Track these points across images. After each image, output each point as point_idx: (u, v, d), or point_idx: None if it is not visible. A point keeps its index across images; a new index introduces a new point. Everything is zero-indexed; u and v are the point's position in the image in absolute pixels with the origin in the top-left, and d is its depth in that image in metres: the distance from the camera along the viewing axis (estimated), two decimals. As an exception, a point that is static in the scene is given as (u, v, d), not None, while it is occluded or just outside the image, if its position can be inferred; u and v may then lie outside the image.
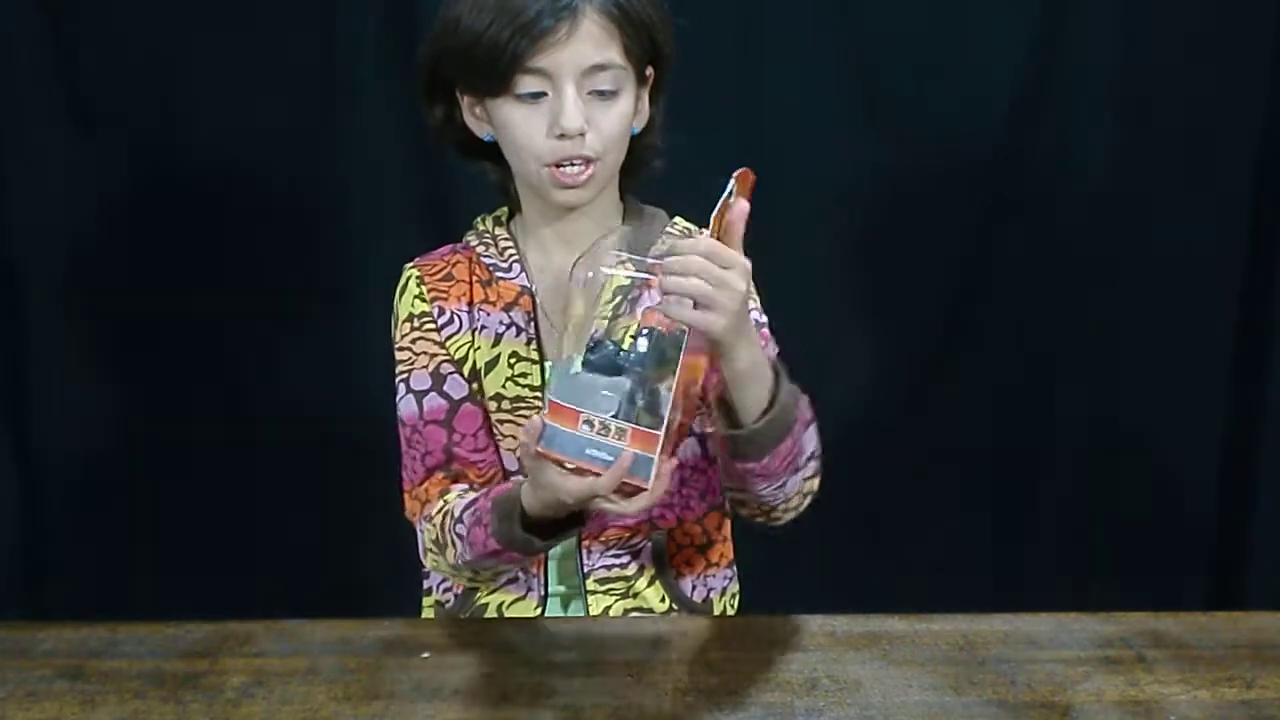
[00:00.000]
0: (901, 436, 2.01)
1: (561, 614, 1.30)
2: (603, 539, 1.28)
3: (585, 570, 1.28)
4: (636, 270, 1.04)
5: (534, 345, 1.25)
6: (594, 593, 1.28)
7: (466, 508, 1.19)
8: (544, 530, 1.13)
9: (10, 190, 1.89)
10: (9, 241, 1.90)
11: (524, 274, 1.27)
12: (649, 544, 1.29)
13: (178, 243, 1.89)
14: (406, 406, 1.26)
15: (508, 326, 1.26)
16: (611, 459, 0.98)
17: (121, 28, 1.83)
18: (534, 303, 1.26)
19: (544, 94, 1.16)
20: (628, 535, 1.28)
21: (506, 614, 1.29)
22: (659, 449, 0.98)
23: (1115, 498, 2.04)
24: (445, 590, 1.35)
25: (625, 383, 1.00)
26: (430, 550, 1.25)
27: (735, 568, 1.39)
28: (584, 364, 1.02)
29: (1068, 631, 1.17)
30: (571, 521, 1.12)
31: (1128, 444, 2.02)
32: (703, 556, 1.33)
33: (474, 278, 1.28)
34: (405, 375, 1.27)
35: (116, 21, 1.82)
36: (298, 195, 1.90)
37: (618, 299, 1.20)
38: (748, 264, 1.01)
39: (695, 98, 1.82)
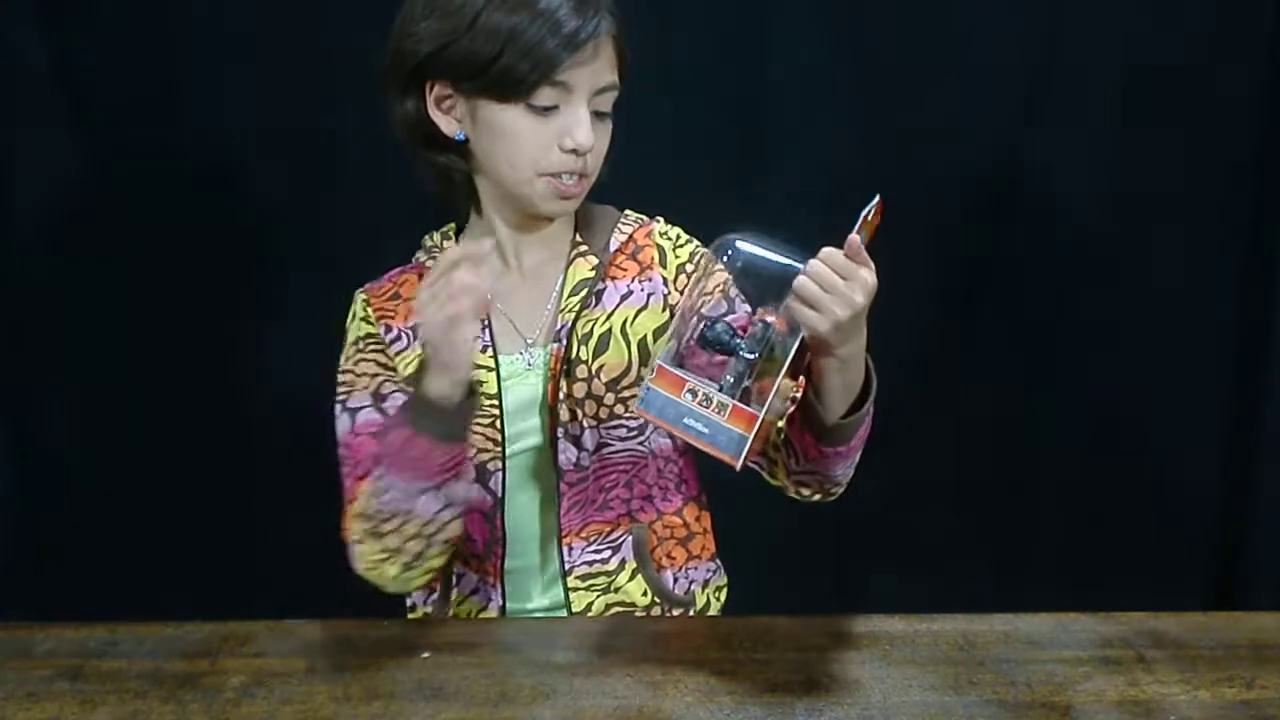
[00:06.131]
0: (900, 436, 1.99)
1: (543, 609, 1.30)
2: (583, 535, 1.28)
3: (566, 567, 1.28)
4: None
5: (489, 352, 1.25)
6: (575, 589, 1.28)
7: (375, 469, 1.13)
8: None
9: (9, 189, 1.88)
10: (7, 240, 1.90)
11: None
12: (629, 538, 1.30)
13: (176, 242, 1.89)
14: (340, 425, 1.23)
15: None
16: (707, 431, 1.01)
17: (121, 28, 1.82)
18: (487, 312, 1.24)
19: (556, 107, 1.17)
20: (608, 530, 1.29)
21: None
22: (754, 431, 1.00)
23: (1115, 498, 2.03)
24: (427, 605, 1.35)
25: (735, 364, 1.03)
26: (363, 542, 1.14)
27: (718, 561, 1.40)
28: (698, 340, 1.05)
29: (1068, 631, 1.17)
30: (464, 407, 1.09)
31: (1128, 444, 2.02)
32: (684, 549, 1.34)
33: None
34: (344, 397, 1.25)
35: (116, 21, 1.82)
36: (297, 194, 1.89)
37: (584, 292, 1.22)
38: (871, 280, 1.02)
39: (697, 97, 1.84)
